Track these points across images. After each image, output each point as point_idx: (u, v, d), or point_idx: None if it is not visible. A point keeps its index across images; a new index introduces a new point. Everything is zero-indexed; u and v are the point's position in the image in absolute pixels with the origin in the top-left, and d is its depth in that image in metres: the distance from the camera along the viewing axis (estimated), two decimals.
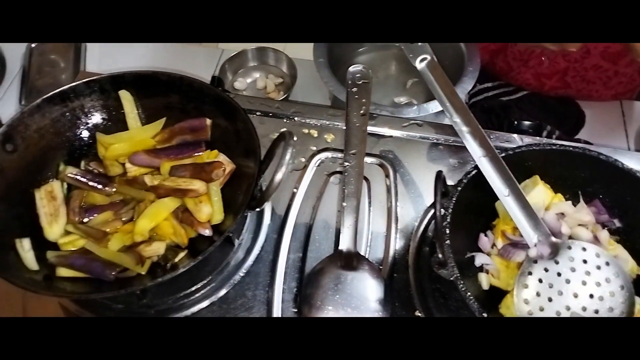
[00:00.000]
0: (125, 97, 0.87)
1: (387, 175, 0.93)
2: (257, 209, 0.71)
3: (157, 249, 0.73)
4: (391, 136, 0.99)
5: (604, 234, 0.75)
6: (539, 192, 0.78)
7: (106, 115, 0.88)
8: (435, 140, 0.98)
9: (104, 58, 1.45)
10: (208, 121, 0.84)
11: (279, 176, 0.66)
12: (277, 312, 0.80)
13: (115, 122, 0.88)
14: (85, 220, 0.80)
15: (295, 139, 0.69)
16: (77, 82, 0.85)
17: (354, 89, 0.91)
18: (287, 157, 0.66)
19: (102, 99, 0.87)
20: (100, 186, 0.83)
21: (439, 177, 0.69)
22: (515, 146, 0.80)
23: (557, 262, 0.69)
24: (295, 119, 1.00)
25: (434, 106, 1.06)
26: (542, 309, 0.67)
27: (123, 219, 0.79)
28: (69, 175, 0.82)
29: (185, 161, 0.83)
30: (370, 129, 0.97)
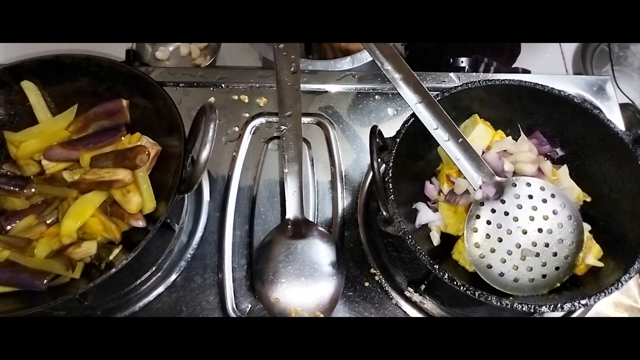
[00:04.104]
0: (29, 87, 0.78)
1: (327, 134, 0.89)
2: (188, 193, 0.65)
3: (87, 249, 0.68)
4: (327, 91, 0.94)
5: (547, 165, 0.74)
6: (480, 131, 0.76)
7: (12, 110, 0.79)
8: (372, 91, 0.94)
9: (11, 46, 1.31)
10: (124, 102, 0.77)
11: (204, 155, 0.61)
12: (229, 293, 0.77)
13: (24, 117, 0.79)
14: (8, 228, 0.73)
15: (217, 112, 0.63)
16: None
17: (281, 46, 0.85)
18: (210, 133, 0.61)
19: (4, 94, 0.78)
20: (17, 189, 0.75)
21: (374, 133, 0.66)
22: (452, 86, 0.77)
23: (503, 202, 0.68)
24: (222, 85, 0.93)
25: (368, 55, 1.01)
26: (493, 251, 0.67)
27: (48, 222, 0.73)
28: None
29: (106, 149, 0.76)
30: (304, 86, 0.93)
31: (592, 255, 0.67)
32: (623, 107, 1.11)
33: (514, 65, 1.20)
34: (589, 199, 0.74)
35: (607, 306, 0.78)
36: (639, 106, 1.11)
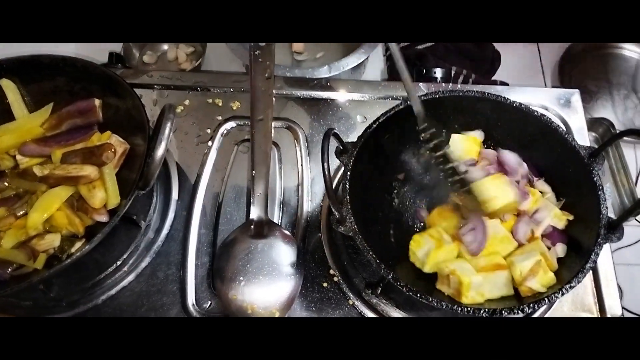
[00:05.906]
0: (8, 85, 0.81)
1: (296, 138, 0.92)
2: (146, 189, 0.67)
3: (50, 241, 0.70)
4: (299, 97, 0.96)
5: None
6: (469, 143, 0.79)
7: None
8: (342, 98, 0.96)
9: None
10: (97, 101, 0.80)
11: (159, 152, 0.63)
12: (190, 290, 0.78)
13: (2, 113, 0.82)
14: None
15: (175, 112, 0.66)
16: None
17: (257, 52, 0.87)
18: (167, 131, 0.64)
19: None
20: None
21: (327, 136, 0.68)
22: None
23: None
24: (199, 89, 0.96)
25: (345, 63, 1.03)
26: None
27: (18, 214, 0.75)
28: None
29: (77, 146, 0.79)
30: (276, 92, 0.95)
31: (536, 279, 0.66)
32: (598, 121, 1.13)
33: (493, 78, 1.22)
34: (571, 217, 0.73)
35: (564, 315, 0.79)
36: (613, 120, 1.12)
